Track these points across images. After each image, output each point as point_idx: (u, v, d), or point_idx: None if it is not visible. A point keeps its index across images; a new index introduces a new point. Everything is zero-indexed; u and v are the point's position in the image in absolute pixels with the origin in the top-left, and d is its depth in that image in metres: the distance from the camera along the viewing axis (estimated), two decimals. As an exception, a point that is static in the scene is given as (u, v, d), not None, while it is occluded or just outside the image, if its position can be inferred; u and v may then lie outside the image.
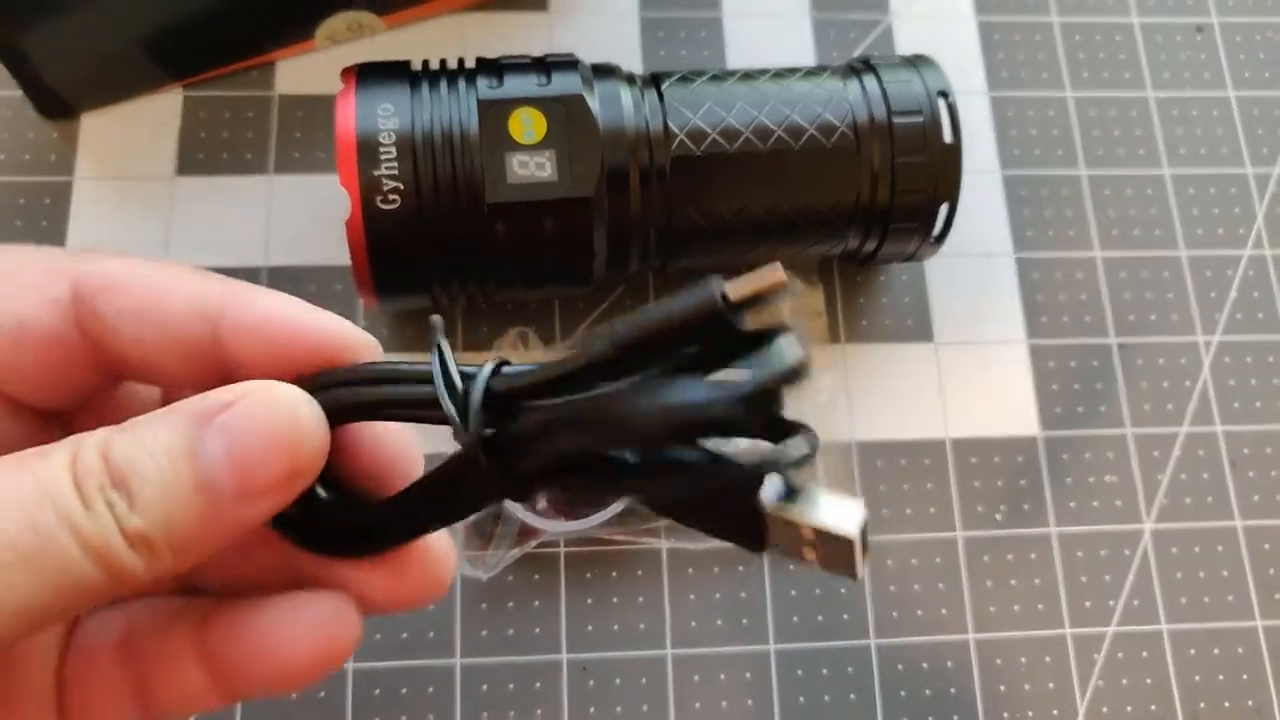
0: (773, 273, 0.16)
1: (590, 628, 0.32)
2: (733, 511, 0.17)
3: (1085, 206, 0.38)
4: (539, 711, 0.31)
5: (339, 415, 0.18)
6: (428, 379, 0.18)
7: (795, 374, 0.16)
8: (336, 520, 0.20)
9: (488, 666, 0.32)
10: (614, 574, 0.33)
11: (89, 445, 0.17)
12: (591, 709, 0.32)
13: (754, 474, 0.16)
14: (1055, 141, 0.38)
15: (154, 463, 0.17)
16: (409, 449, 0.20)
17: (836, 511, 0.17)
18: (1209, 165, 0.39)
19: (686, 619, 0.33)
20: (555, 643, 0.32)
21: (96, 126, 0.36)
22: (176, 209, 0.35)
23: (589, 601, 0.32)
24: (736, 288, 0.16)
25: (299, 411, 0.18)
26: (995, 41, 0.39)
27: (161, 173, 0.36)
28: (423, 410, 0.18)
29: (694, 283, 0.16)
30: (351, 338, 0.19)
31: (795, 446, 0.17)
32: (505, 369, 0.18)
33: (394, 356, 0.34)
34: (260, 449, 0.17)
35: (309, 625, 0.19)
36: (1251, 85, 0.40)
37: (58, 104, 0.35)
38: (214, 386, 0.18)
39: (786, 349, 0.16)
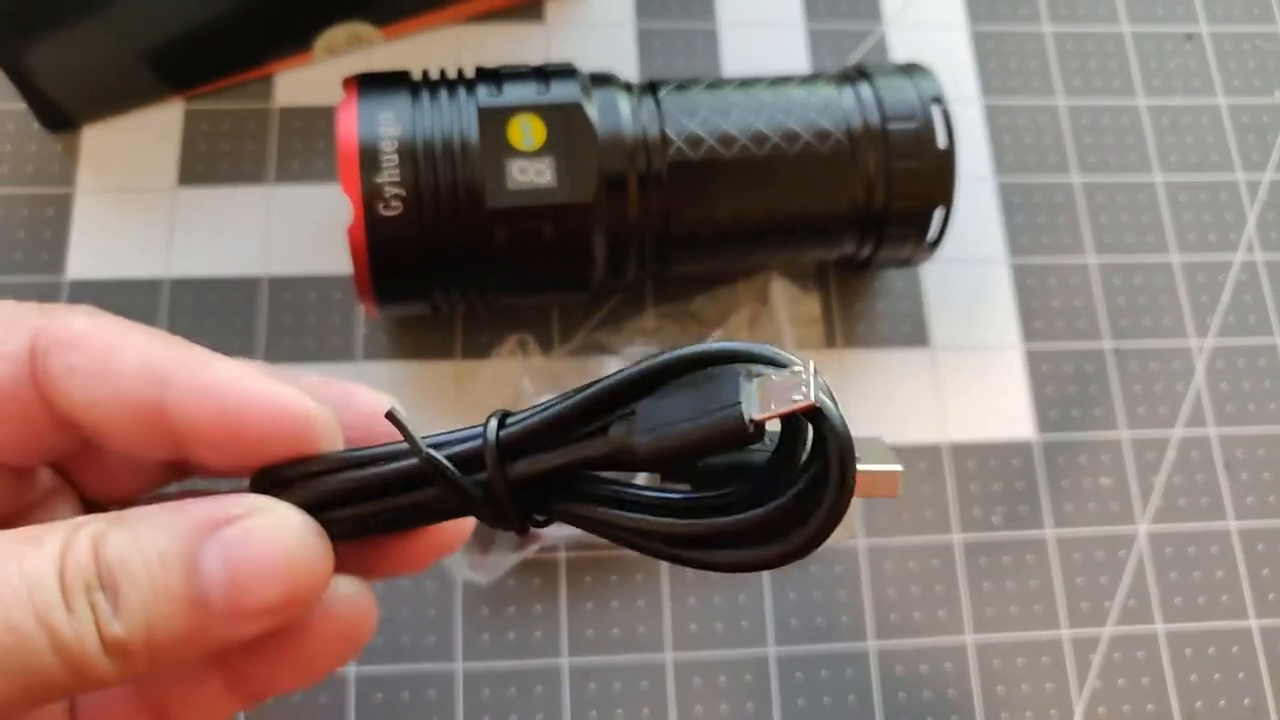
0: (797, 395, 0.17)
1: (590, 632, 0.32)
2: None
3: (1078, 212, 0.38)
4: (540, 716, 0.32)
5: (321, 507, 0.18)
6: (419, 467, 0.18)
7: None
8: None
9: (489, 671, 0.32)
10: (614, 579, 0.33)
11: (83, 536, 0.16)
12: (593, 713, 0.32)
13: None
14: (1048, 148, 0.39)
15: (146, 568, 0.16)
16: (364, 611, 0.20)
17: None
18: (1200, 171, 0.39)
19: (686, 623, 0.33)
20: (556, 647, 0.32)
21: (98, 138, 0.36)
22: (178, 219, 0.36)
23: (589, 606, 0.33)
24: (763, 412, 0.17)
25: (305, 541, 0.17)
26: (988, 50, 0.40)
27: (163, 184, 0.36)
28: (437, 499, 0.18)
29: (724, 408, 0.17)
30: (303, 413, 0.18)
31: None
32: (507, 423, 0.18)
33: (393, 364, 0.34)
34: (259, 573, 0.17)
35: (330, 614, 0.19)
36: (1241, 93, 0.40)
37: (60, 116, 0.36)
38: (164, 454, 0.18)
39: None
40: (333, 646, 0.19)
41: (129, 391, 0.18)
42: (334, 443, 0.19)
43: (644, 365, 0.18)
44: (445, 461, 0.18)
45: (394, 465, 0.18)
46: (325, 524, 0.18)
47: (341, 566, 0.18)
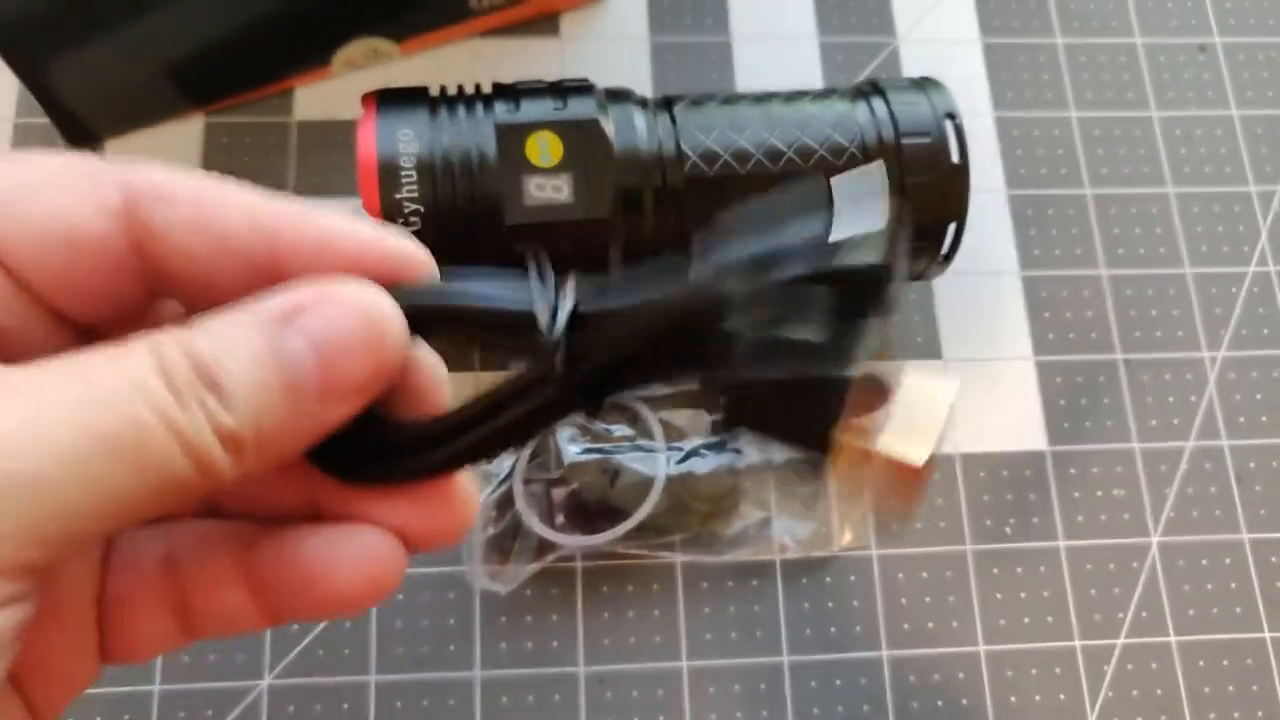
0: None
1: (607, 641, 0.33)
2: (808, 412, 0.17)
3: (1090, 225, 0.38)
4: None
5: (417, 325, 0.18)
6: (503, 291, 0.18)
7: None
8: (382, 443, 0.19)
9: (507, 679, 0.32)
10: (630, 588, 0.33)
11: (170, 343, 0.16)
12: (609, 719, 0.32)
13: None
14: (1060, 161, 0.39)
15: (240, 365, 0.16)
16: (441, 371, 0.20)
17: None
18: (1213, 183, 0.39)
19: (701, 632, 0.33)
20: (573, 656, 0.33)
21: (121, 153, 0.37)
22: (199, 232, 0.36)
23: (605, 615, 0.33)
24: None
25: (383, 310, 0.17)
26: (1000, 63, 0.40)
27: (184, 197, 0.36)
28: (508, 320, 0.18)
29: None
30: (414, 256, 0.19)
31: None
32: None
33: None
34: (345, 349, 0.17)
35: (359, 557, 0.19)
36: (1254, 104, 0.40)
37: (83, 130, 0.36)
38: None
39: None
40: (358, 590, 0.19)
41: (238, 244, 0.18)
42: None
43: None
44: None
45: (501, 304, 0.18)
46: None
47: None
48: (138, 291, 0.18)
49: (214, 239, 0.18)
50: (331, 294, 0.17)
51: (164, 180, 0.18)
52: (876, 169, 0.17)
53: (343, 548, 0.19)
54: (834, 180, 0.16)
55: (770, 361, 0.16)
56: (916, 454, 0.17)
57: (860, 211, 0.16)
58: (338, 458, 0.18)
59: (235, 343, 0.16)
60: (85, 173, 0.17)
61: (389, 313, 0.17)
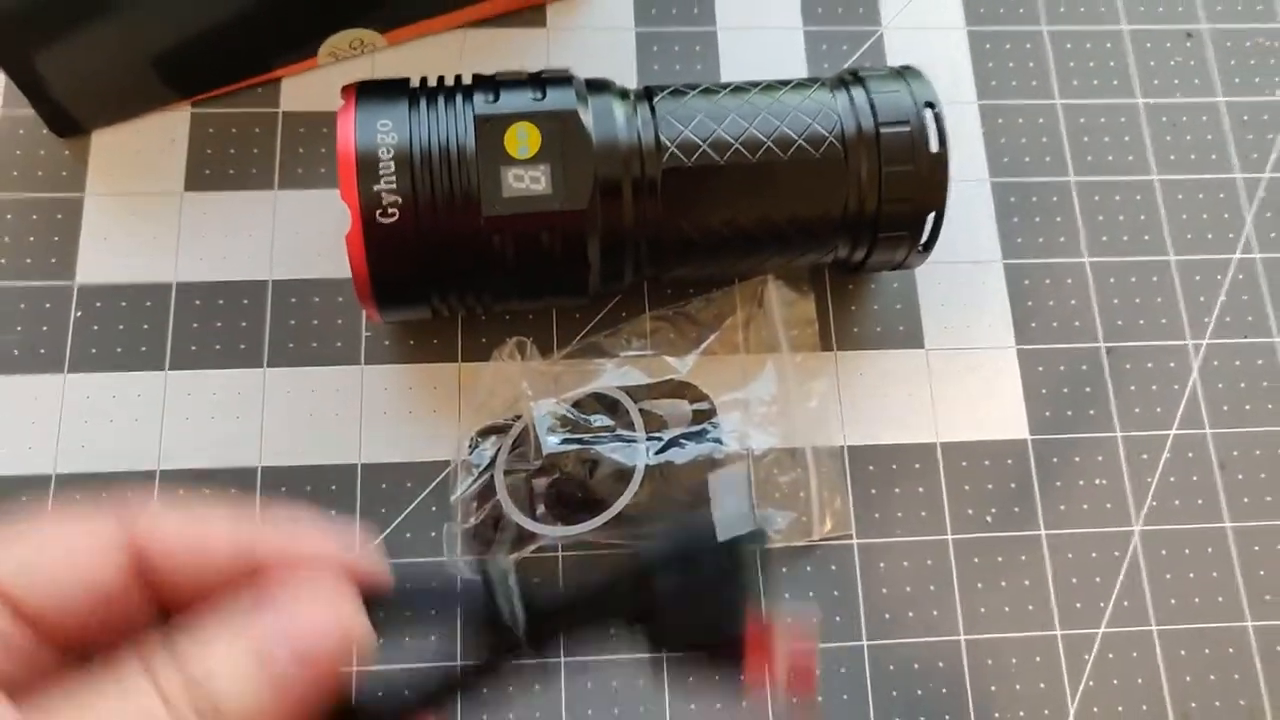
0: None
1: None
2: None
3: (1074, 213, 0.38)
4: (538, 715, 0.32)
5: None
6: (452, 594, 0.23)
7: None
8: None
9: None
10: (611, 577, 0.33)
11: (168, 670, 0.19)
12: (589, 710, 0.32)
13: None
14: (1044, 149, 0.39)
15: (232, 673, 0.19)
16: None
17: None
18: (1198, 171, 0.39)
19: (682, 621, 0.33)
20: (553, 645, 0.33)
21: (107, 144, 0.37)
22: (184, 223, 0.36)
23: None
24: None
25: (354, 622, 0.21)
26: (985, 51, 0.40)
27: (170, 188, 0.37)
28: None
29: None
30: (373, 571, 0.23)
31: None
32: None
33: (395, 367, 0.35)
34: (322, 657, 0.20)
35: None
36: (1240, 91, 0.40)
37: (69, 122, 0.36)
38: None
39: None
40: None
41: (224, 562, 0.21)
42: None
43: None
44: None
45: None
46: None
47: None
48: (136, 610, 0.21)
49: (205, 563, 0.21)
50: (304, 594, 0.21)
51: (163, 524, 0.21)
52: (740, 469, 0.25)
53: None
54: (710, 478, 0.24)
55: (683, 603, 0.22)
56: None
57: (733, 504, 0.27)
58: None
59: (228, 663, 0.19)
60: (94, 532, 0.21)
61: (358, 622, 0.21)
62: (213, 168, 0.37)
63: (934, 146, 0.32)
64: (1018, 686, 0.33)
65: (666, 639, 0.23)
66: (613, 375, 0.34)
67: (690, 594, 0.22)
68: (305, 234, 0.36)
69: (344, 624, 0.21)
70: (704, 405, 0.34)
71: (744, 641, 0.22)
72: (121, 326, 0.35)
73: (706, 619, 0.22)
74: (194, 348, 0.35)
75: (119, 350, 0.35)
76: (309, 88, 0.38)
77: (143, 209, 0.36)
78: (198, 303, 0.35)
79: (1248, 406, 0.37)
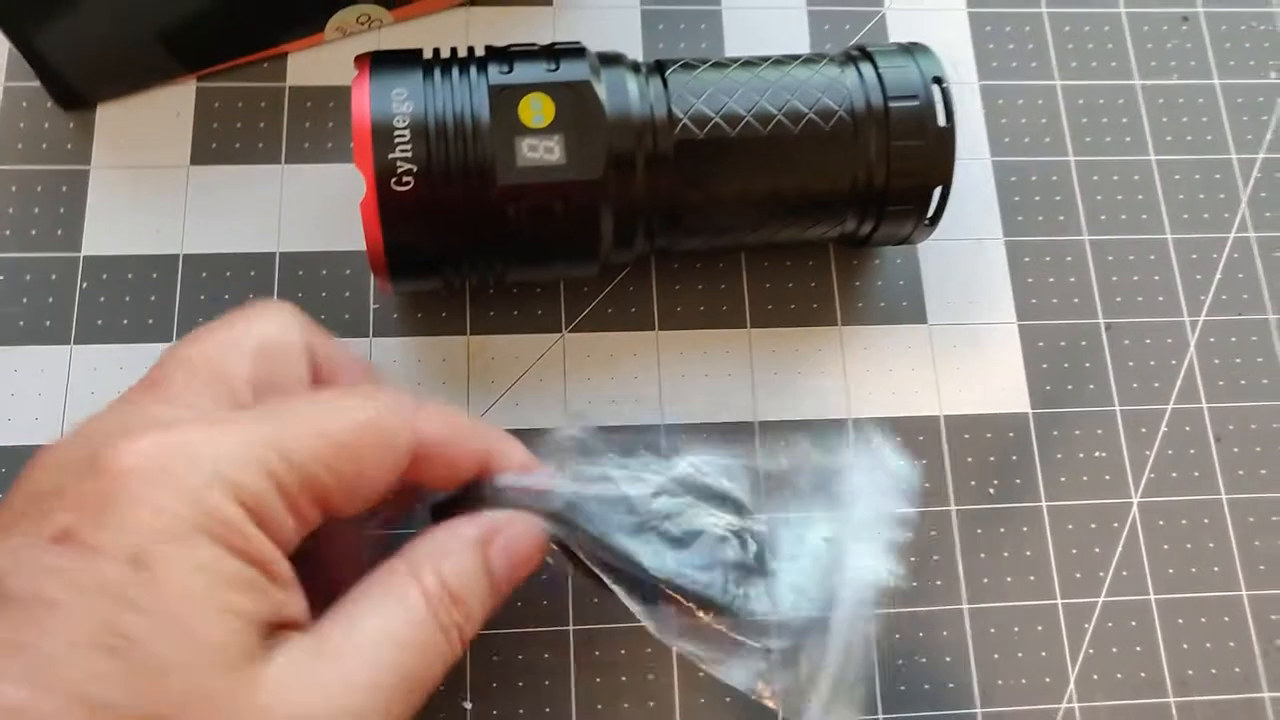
0: None
1: (595, 600, 0.33)
2: None
3: (1073, 192, 0.39)
4: (546, 682, 0.32)
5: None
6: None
7: None
8: None
9: (498, 638, 0.33)
10: (620, 547, 0.34)
11: (429, 576, 0.24)
12: (597, 679, 0.32)
13: None
14: (1044, 129, 0.39)
15: (470, 588, 0.25)
16: None
17: None
18: (1194, 151, 0.40)
19: (690, 591, 0.33)
20: (563, 615, 0.33)
21: (112, 117, 0.37)
22: (190, 197, 0.36)
23: (595, 600, 0.33)
24: None
25: (536, 530, 0.27)
26: (986, 32, 0.40)
27: (176, 162, 0.37)
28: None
29: None
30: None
31: None
32: None
33: (404, 340, 0.35)
34: (524, 558, 0.27)
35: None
36: (1236, 74, 0.41)
37: (74, 95, 0.36)
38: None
39: None
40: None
41: (468, 466, 0.27)
42: None
43: None
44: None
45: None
46: None
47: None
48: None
49: (459, 465, 0.27)
50: (513, 523, 0.27)
51: (432, 420, 0.26)
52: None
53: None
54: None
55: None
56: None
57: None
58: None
59: (467, 567, 0.25)
60: (400, 424, 0.25)
61: (545, 538, 0.27)
62: (219, 142, 0.37)
63: (942, 121, 0.32)
64: (1020, 654, 0.34)
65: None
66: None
67: None
68: (312, 207, 0.36)
69: (541, 543, 0.27)
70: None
71: None
72: (128, 298, 0.35)
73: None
74: (201, 319, 0.35)
75: (125, 322, 0.35)
76: (315, 63, 0.38)
77: (148, 182, 0.36)
78: (204, 274, 0.35)
79: (1243, 381, 0.37)
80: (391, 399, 0.25)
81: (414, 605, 0.24)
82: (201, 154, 0.37)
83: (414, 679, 0.23)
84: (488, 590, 0.25)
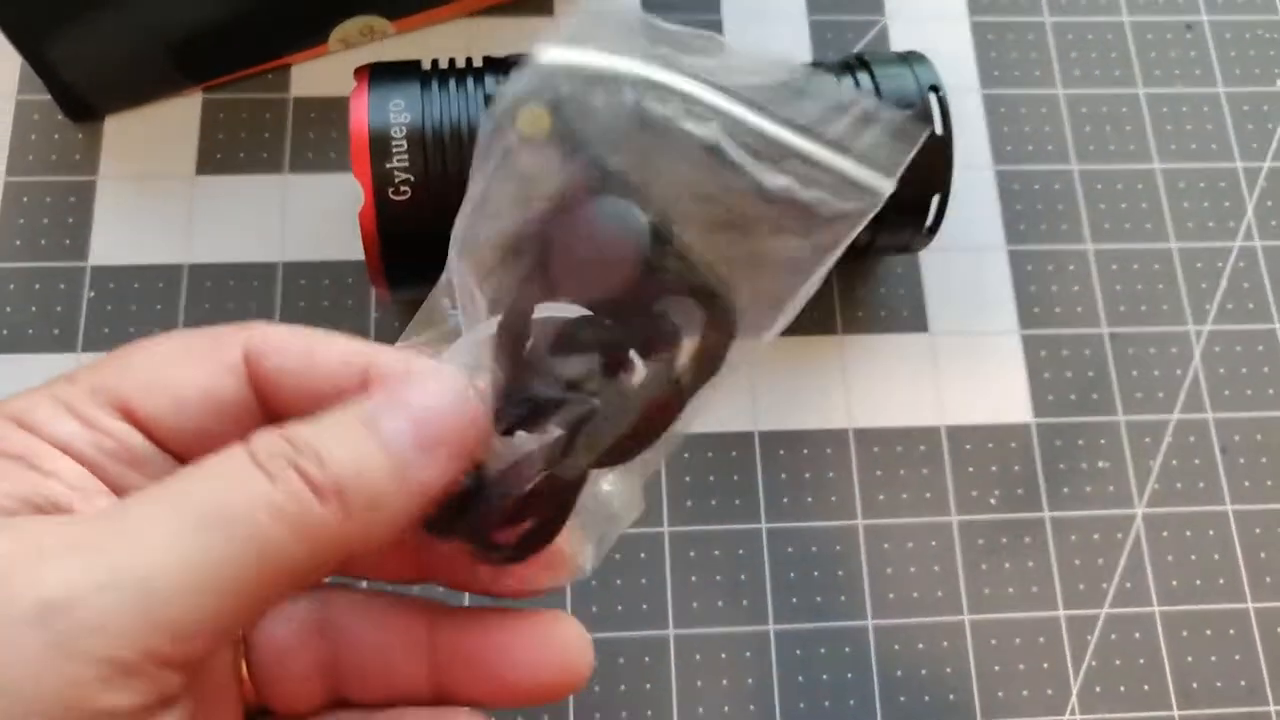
0: None
1: (594, 608, 0.33)
2: None
3: (1077, 201, 0.39)
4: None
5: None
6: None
7: None
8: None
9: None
10: (617, 556, 0.34)
11: (268, 432, 0.18)
12: (596, 687, 0.32)
13: None
14: (1047, 138, 0.39)
15: (338, 437, 0.18)
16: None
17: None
18: (1199, 160, 0.39)
19: (688, 600, 0.33)
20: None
21: (120, 128, 0.37)
22: (196, 207, 0.37)
23: (593, 583, 0.33)
24: None
25: (459, 383, 0.19)
26: (988, 41, 0.40)
27: (182, 172, 0.37)
28: None
29: None
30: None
31: None
32: None
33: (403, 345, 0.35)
34: (432, 412, 0.19)
35: (552, 649, 0.21)
36: (1240, 82, 0.41)
37: (83, 107, 0.37)
38: None
39: None
40: (544, 686, 0.21)
41: (337, 378, 0.20)
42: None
43: None
44: None
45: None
46: None
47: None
48: (253, 423, 0.20)
49: (315, 371, 0.20)
50: (416, 373, 0.20)
51: (277, 335, 0.21)
52: None
53: (538, 640, 0.21)
54: None
55: None
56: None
57: None
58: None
59: (333, 422, 0.19)
60: (211, 342, 0.21)
61: (466, 386, 0.19)
62: (224, 152, 0.37)
63: (938, 130, 0.32)
64: (1021, 666, 0.34)
65: None
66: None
67: None
68: (315, 217, 0.37)
69: (464, 402, 0.19)
70: None
71: None
72: (134, 307, 0.35)
73: None
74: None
75: (131, 330, 0.35)
76: (319, 74, 0.38)
77: (155, 193, 0.37)
78: (209, 284, 0.36)
79: (1249, 391, 0.37)
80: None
81: (230, 452, 0.18)
82: (207, 164, 0.37)
83: (230, 529, 0.17)
84: (374, 447, 0.18)
